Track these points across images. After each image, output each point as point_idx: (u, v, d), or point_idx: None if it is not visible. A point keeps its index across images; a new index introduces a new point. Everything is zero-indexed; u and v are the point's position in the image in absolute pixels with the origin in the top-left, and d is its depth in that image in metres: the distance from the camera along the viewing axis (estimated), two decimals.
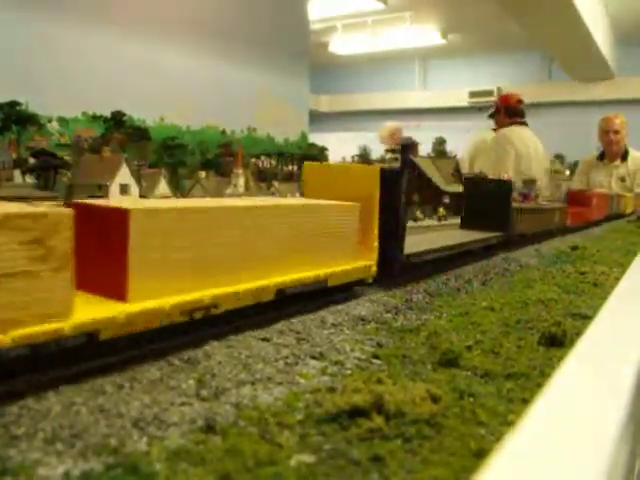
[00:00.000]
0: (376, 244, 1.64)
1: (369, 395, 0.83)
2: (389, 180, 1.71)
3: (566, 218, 4.18)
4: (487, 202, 2.88)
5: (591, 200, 5.01)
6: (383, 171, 1.67)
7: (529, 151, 6.77)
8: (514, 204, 3.09)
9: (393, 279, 1.82)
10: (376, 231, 1.64)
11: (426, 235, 2.65)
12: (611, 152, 7.99)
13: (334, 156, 7.67)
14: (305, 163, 1.77)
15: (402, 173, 1.78)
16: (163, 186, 3.74)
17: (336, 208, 1.50)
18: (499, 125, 7.06)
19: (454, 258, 2.38)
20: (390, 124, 9.58)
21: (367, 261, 1.61)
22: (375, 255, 1.64)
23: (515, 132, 6.82)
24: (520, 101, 7.07)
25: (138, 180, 3.49)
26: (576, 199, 4.92)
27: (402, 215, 1.76)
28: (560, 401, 0.68)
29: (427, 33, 12.84)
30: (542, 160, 6.99)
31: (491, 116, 7.18)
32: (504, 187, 3.02)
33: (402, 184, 1.76)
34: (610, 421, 0.61)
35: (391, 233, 1.72)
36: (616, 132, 7.85)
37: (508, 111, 6.93)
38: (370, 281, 1.65)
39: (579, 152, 9.16)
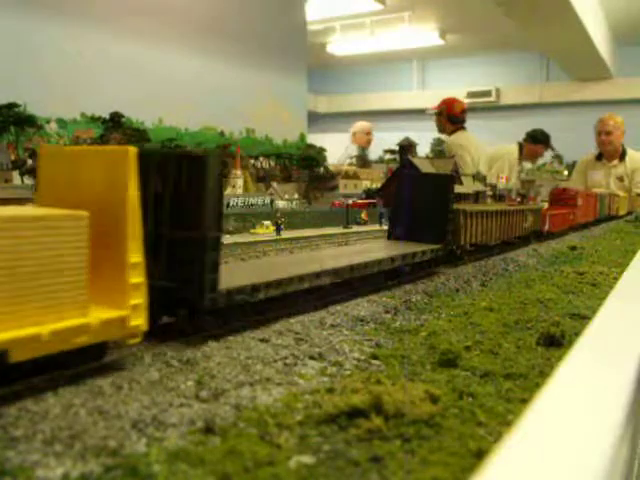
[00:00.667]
0: (138, 278, 0.98)
1: (368, 396, 0.83)
2: (179, 170, 1.08)
3: (543, 222, 3.42)
4: (420, 203, 2.11)
5: (575, 200, 4.18)
6: (147, 158, 1.02)
7: (478, 154, 7.04)
8: (466, 206, 2.32)
9: (199, 330, 1.21)
10: (136, 257, 0.97)
11: (314, 253, 2.07)
12: (606, 152, 8.01)
13: (333, 157, 7.68)
14: (42, 146, 1.10)
15: (204, 159, 1.07)
16: None
17: (30, 223, 0.86)
18: (441, 129, 7.27)
19: (356, 283, 1.74)
20: (359, 123, 9.64)
21: (117, 310, 0.96)
22: (139, 298, 0.98)
23: (463, 138, 7.04)
24: (464, 111, 7.27)
25: None
26: (559, 199, 4.15)
27: (207, 226, 1.09)
28: (559, 401, 0.68)
29: (425, 33, 12.83)
30: (484, 160, 7.26)
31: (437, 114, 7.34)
32: (441, 183, 2.14)
33: (208, 176, 1.07)
34: (609, 421, 0.61)
35: (188, 257, 1.10)
36: (608, 133, 7.86)
37: (450, 118, 7.10)
38: (135, 341, 1.00)
39: (577, 152, 9.16)
